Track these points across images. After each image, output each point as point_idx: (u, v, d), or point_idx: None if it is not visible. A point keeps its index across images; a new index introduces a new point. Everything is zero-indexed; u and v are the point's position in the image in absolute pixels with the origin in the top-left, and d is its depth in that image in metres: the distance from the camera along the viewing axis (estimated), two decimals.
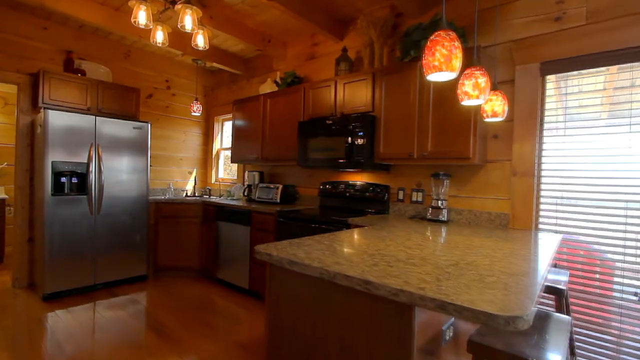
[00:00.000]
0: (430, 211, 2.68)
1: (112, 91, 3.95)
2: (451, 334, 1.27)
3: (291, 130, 3.60)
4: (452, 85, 2.47)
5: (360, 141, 2.86)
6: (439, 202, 2.71)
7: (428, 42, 1.28)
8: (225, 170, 5.36)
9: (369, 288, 1.05)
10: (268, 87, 4.14)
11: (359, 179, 3.45)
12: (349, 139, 2.93)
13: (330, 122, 3.08)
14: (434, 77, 1.32)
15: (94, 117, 3.59)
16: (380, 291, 1.03)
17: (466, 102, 1.61)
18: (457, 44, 1.25)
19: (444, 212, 2.63)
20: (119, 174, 3.77)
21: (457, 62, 1.25)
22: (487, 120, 1.99)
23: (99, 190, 3.62)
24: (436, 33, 1.27)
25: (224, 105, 5.20)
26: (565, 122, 2.38)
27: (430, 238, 1.87)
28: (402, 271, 1.16)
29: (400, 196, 3.11)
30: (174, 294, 3.63)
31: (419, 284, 1.02)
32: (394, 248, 1.54)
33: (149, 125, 3.99)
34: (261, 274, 3.36)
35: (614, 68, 2.25)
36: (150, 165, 4.66)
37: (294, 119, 3.58)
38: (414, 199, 3.02)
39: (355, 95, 3.05)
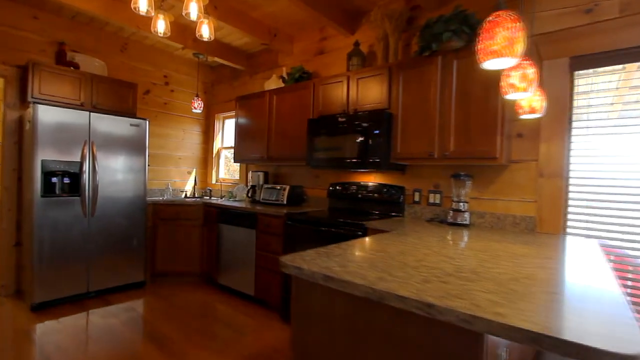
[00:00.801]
0: (451, 214, 2.52)
1: (108, 86, 3.73)
2: (507, 356, 1.10)
3: (299, 128, 3.41)
4: (477, 80, 2.31)
5: (375, 140, 2.69)
6: (460, 204, 2.54)
7: (485, 24, 1.11)
8: (226, 171, 5.15)
9: (432, 312, 0.87)
10: (273, 83, 3.95)
11: (371, 180, 3.27)
12: (363, 137, 2.75)
13: (343, 119, 2.90)
14: (492, 64, 1.15)
15: (88, 112, 3.37)
16: (446, 316, 0.85)
17: (512, 96, 1.45)
18: (520, 25, 1.08)
19: (466, 215, 2.47)
20: (115, 174, 3.55)
21: (520, 47, 1.08)
22: (523, 117, 1.83)
23: (93, 191, 3.40)
24: (495, 14, 1.10)
25: (225, 102, 5.00)
26: (597, 120, 2.23)
27: (465, 245, 1.70)
28: (460, 289, 0.99)
29: (417, 198, 2.94)
30: (174, 301, 3.42)
31: (493, 308, 0.85)
32: (435, 258, 1.37)
33: (147, 122, 3.78)
34: (269, 281, 3.17)
35: None
36: (148, 165, 4.44)
37: (302, 117, 3.39)
38: (431, 200, 2.86)
39: (369, 91, 2.87)
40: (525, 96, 1.42)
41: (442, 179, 2.82)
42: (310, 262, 1.22)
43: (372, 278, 1.06)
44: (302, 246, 2.85)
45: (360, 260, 1.28)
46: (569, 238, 2.14)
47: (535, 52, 2.41)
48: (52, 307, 3.16)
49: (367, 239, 1.74)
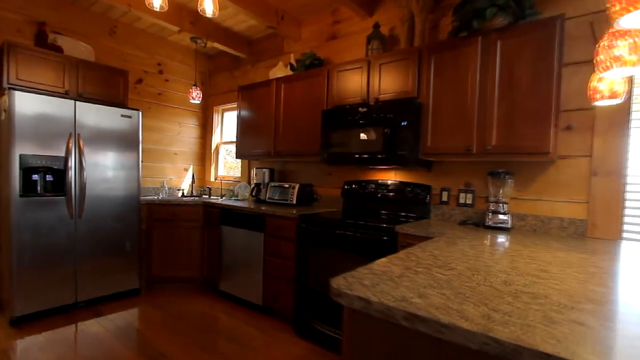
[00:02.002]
0: (489, 216, 2.24)
1: (96, 72, 3.36)
2: None
3: (310, 121, 3.09)
4: (526, 63, 2.02)
5: (402, 133, 2.39)
6: (499, 205, 2.26)
7: None
8: (225, 167, 4.80)
9: None
10: (280, 71, 3.61)
11: (391, 178, 2.98)
12: (388, 130, 2.45)
13: (365, 109, 2.59)
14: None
15: (73, 101, 3.00)
16: None
17: (612, 73, 1.15)
18: None
19: (507, 217, 2.19)
20: (105, 171, 3.19)
21: None
22: (598, 103, 1.54)
23: (81, 189, 3.04)
24: None
25: (224, 93, 4.64)
26: None
27: (532, 255, 1.41)
28: (603, 335, 0.70)
29: (444, 198, 2.66)
30: (172, 311, 3.09)
31: None
32: (520, 278, 1.07)
33: (140, 113, 3.41)
34: (279, 289, 2.86)
35: None
36: (142, 161, 4.07)
37: (314, 107, 3.07)
38: (461, 201, 2.58)
39: (394, 78, 2.57)
40: (635, 71, 1.13)
41: (475, 177, 2.54)
42: (375, 289, 0.91)
43: (476, 317, 0.75)
44: (318, 252, 2.54)
45: (435, 283, 0.98)
46: (629, 244, 1.87)
47: (589, 34, 2.13)
48: (34, 320, 2.80)
49: (415, 249, 1.44)
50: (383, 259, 1.19)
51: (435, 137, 2.36)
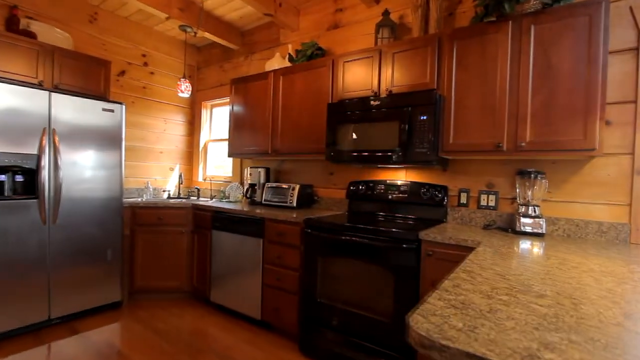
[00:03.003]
0: (521, 220, 2.01)
1: (74, 62, 3.01)
2: None
3: (313, 115, 2.83)
4: (566, 50, 1.80)
5: (421, 128, 2.15)
6: (529, 208, 2.05)
7: None
8: (214, 167, 4.48)
9: None
10: (276, 63, 3.33)
11: (401, 178, 2.74)
12: (405, 125, 2.21)
13: (377, 102, 2.34)
14: None
15: (48, 93, 2.65)
16: None
17: None
18: None
19: (541, 221, 1.97)
20: (83, 170, 2.85)
21: None
22: None
23: (55, 191, 2.69)
24: None
25: (213, 88, 4.32)
26: None
27: (602, 269, 1.18)
28: None
29: (463, 199, 2.43)
30: (158, 326, 2.76)
31: None
32: (633, 306, 0.84)
33: (123, 107, 3.08)
34: (281, 301, 2.57)
35: None
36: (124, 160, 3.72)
37: (317, 101, 2.81)
38: (482, 203, 2.35)
39: (410, 68, 2.33)
40: None
41: (498, 177, 2.32)
42: (478, 336, 0.65)
43: None
44: (326, 261, 2.28)
45: (545, 322, 0.72)
46: None
47: (630, 20, 1.93)
48: (1, 341, 2.45)
49: (470, 265, 1.19)
50: (446, 282, 0.93)
51: (458, 133, 2.13)
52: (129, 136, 3.86)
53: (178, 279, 3.30)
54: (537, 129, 1.87)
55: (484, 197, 2.35)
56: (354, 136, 2.44)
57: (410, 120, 2.20)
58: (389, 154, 2.27)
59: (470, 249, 1.74)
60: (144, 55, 3.97)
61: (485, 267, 1.13)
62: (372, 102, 2.36)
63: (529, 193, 2.09)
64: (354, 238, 2.14)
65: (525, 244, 1.70)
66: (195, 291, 3.29)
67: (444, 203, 2.41)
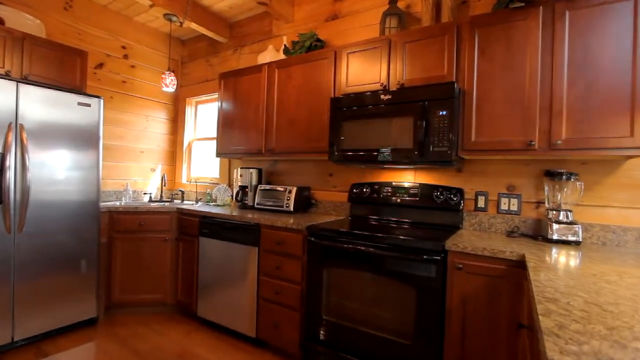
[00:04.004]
0: (555, 227, 1.81)
1: (46, 50, 2.67)
2: None
3: (313, 111, 2.58)
4: (606, 38, 1.62)
5: (439, 124, 1.94)
6: (561, 213, 1.85)
7: None
8: (200, 167, 4.16)
9: None
10: (270, 56, 3.07)
11: (409, 180, 2.52)
12: (422, 121, 1.98)
13: (389, 96, 2.11)
14: None
15: (15, 84, 2.32)
16: None
17: None
18: None
19: (577, 228, 1.78)
20: (55, 171, 2.51)
21: None
22: None
23: (22, 195, 2.35)
24: None
25: (199, 83, 4.02)
26: None
27: None
28: None
29: (481, 203, 2.23)
30: (138, 346, 2.44)
31: None
32: None
33: (101, 101, 2.76)
34: (279, 317, 2.30)
35: None
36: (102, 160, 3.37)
37: (317, 96, 2.56)
38: (503, 207, 2.15)
39: (424, 59, 2.11)
40: None
41: (519, 178, 2.12)
42: None
43: None
44: (333, 274, 2.02)
45: None
46: None
47: None
48: None
49: (540, 286, 0.97)
50: (542, 319, 0.70)
51: (482, 130, 1.92)
52: (107, 134, 3.51)
53: (161, 292, 2.97)
54: (574, 125, 1.68)
55: (504, 200, 2.15)
56: (362, 134, 2.21)
57: (426, 116, 1.98)
58: (405, 153, 2.04)
59: (509, 262, 1.53)
60: (124, 47, 3.64)
61: (566, 293, 0.90)
62: (382, 97, 2.13)
63: (559, 196, 1.90)
64: (367, 248, 1.89)
65: (574, 256, 1.49)
66: (180, 305, 2.97)
67: (460, 207, 2.20)
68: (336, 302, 2.01)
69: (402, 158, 2.04)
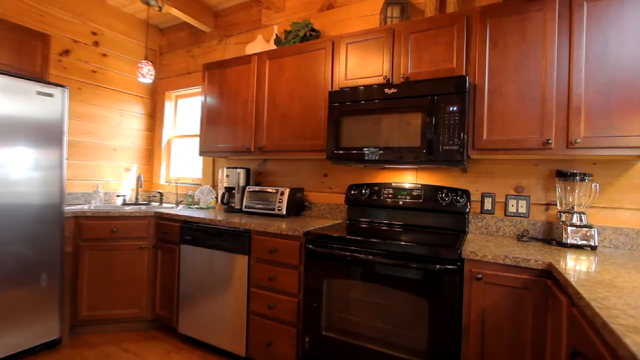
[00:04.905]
0: (569, 231, 1.71)
1: (1, 32, 2.34)
2: None
3: (308, 106, 2.39)
4: (628, 30, 1.52)
5: (449, 120, 1.80)
6: (574, 216, 1.75)
7: None
8: (180, 167, 3.87)
9: None
10: (259, 46, 2.86)
11: (409, 180, 2.38)
12: (430, 117, 1.84)
13: (394, 90, 1.95)
14: None
15: None
16: None
17: None
18: None
19: (593, 232, 1.68)
20: (9, 171, 2.19)
21: None
22: None
23: None
24: None
25: (180, 75, 3.74)
26: None
27: None
28: None
29: (487, 206, 2.11)
30: None
31: None
32: None
33: (66, 91, 2.45)
34: (272, 334, 2.08)
35: None
36: (67, 159, 3.04)
37: (313, 89, 2.38)
38: (510, 209, 2.04)
39: (431, 51, 1.97)
40: None
41: (527, 179, 2.02)
42: None
43: None
44: (334, 286, 1.84)
45: None
46: None
47: None
48: None
49: (597, 300, 0.82)
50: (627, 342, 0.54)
51: (494, 128, 1.79)
52: (74, 129, 3.17)
53: (137, 306, 2.68)
54: (594, 122, 1.58)
55: (512, 202, 2.04)
56: (364, 130, 2.04)
57: (435, 111, 1.83)
58: (412, 152, 1.89)
59: (534, 271, 1.40)
60: (94, 34, 3.31)
61: (617, 307, 0.76)
62: (386, 90, 1.97)
63: (571, 198, 1.80)
64: (376, 257, 1.72)
65: (602, 263, 1.38)
66: (159, 320, 2.69)
67: (467, 210, 2.07)
68: (338, 316, 1.83)
69: (409, 157, 1.89)
